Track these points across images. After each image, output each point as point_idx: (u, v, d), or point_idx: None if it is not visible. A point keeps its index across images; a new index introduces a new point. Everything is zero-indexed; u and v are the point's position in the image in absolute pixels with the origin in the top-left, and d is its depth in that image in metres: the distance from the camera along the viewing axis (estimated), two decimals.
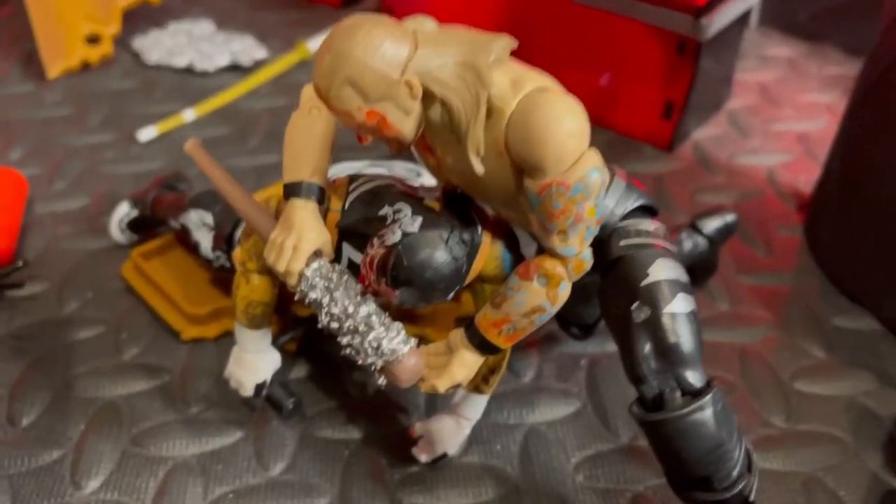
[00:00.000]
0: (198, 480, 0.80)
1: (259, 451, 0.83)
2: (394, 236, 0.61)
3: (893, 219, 0.95)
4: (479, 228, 0.70)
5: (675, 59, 1.21)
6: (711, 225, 0.95)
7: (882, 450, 0.84)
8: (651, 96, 1.25)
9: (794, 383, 0.91)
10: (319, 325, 0.67)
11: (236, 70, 1.47)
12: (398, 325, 0.66)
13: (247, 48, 1.49)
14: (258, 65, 1.47)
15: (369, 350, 0.64)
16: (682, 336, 0.64)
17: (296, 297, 0.68)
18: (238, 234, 0.90)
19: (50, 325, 0.97)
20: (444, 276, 0.61)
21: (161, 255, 1.04)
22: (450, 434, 0.79)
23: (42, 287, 1.02)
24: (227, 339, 0.95)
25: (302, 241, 0.66)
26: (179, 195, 1.01)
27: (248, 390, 0.82)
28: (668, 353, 0.64)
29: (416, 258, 0.60)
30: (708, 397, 0.63)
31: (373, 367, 0.66)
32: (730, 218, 0.96)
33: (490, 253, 0.71)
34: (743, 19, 1.27)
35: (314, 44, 1.50)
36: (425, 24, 0.62)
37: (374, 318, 0.65)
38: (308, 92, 0.71)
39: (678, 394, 0.64)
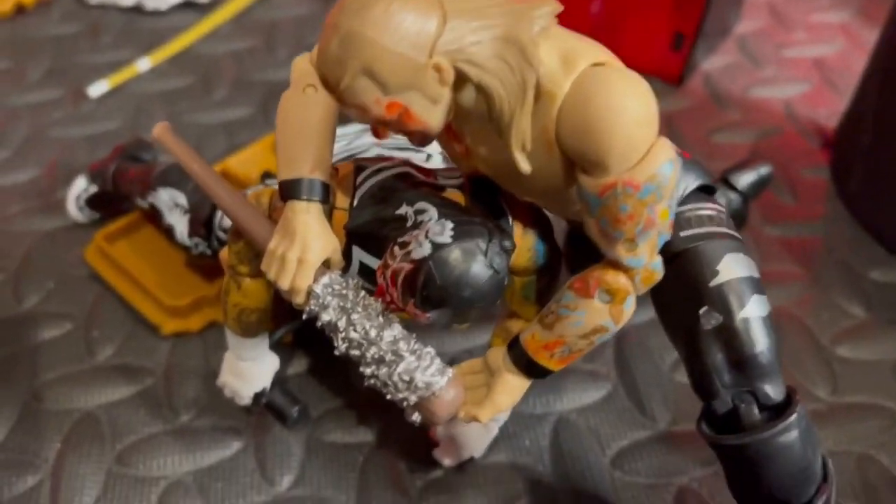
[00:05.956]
0: (196, 502, 0.71)
1: (262, 464, 0.74)
2: (421, 248, 0.51)
3: None
4: (510, 219, 0.60)
5: None
6: (745, 179, 0.86)
7: None
8: (659, 26, 1.13)
9: (835, 348, 0.84)
10: (336, 352, 0.56)
11: (191, 7, 1.31)
12: (430, 351, 0.56)
13: None
14: (216, 0, 1.31)
15: (399, 384, 0.54)
16: (760, 345, 0.55)
17: (304, 317, 0.57)
18: (218, 217, 0.79)
19: (8, 325, 0.85)
20: (484, 293, 0.51)
21: (128, 235, 0.92)
22: (476, 437, 0.71)
23: None
24: (213, 331, 0.85)
25: (307, 253, 0.55)
26: (145, 167, 0.89)
27: (245, 400, 0.73)
28: (744, 365, 0.55)
29: (451, 275, 0.50)
30: (793, 417, 0.54)
31: (404, 403, 0.56)
32: (764, 171, 0.87)
33: (522, 244, 0.61)
34: None
35: None
36: None
37: (401, 343, 0.55)
38: (301, 64, 0.59)
39: (755, 408, 0.55)
